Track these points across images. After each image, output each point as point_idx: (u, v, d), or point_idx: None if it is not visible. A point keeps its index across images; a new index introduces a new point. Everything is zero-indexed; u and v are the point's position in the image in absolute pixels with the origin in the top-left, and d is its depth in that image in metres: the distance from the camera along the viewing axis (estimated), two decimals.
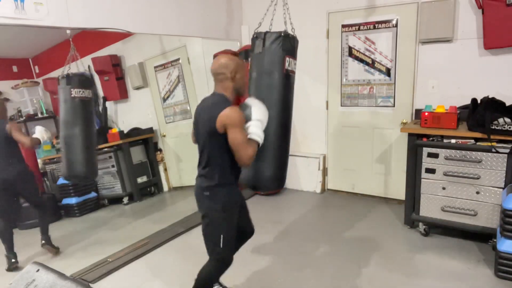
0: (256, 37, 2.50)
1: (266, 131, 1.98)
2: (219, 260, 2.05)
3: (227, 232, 1.98)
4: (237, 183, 2.03)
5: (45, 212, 3.53)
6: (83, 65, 3.72)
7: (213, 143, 1.88)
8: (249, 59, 2.52)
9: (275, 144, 2.35)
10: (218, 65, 1.94)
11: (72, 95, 3.39)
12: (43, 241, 3.41)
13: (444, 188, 2.79)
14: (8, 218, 3.29)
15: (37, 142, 3.32)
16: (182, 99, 5.12)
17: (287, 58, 2.47)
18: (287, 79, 2.50)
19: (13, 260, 3.13)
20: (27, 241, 3.94)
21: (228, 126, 1.79)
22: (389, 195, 3.88)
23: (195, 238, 3.26)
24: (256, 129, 1.84)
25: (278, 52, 2.42)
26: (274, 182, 2.38)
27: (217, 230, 1.97)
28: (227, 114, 1.79)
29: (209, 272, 2.09)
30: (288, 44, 2.48)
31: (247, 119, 1.86)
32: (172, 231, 3.41)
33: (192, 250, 3.04)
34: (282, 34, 2.43)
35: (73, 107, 3.33)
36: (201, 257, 2.93)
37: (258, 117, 1.87)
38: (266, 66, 2.47)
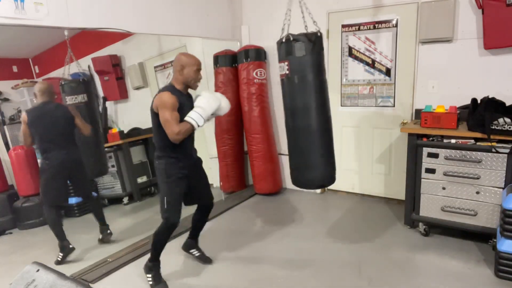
0: (293, 39, 2.41)
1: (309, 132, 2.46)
2: (165, 219, 2.44)
3: (169, 195, 2.40)
4: (183, 157, 2.41)
5: (98, 201, 3.60)
6: (81, 66, 3.76)
7: (153, 122, 2.33)
8: (285, 63, 2.48)
9: (318, 144, 2.53)
10: (174, 60, 2.38)
11: (67, 103, 3.53)
12: (103, 233, 3.47)
13: (444, 188, 2.79)
14: (58, 207, 3.30)
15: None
16: None
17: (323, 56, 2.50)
18: (324, 78, 2.54)
19: (71, 246, 3.15)
20: (27, 241, 3.94)
21: (158, 107, 2.23)
22: (389, 195, 3.88)
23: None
24: (193, 113, 2.23)
25: (320, 52, 2.47)
26: (324, 179, 2.61)
27: (162, 193, 2.42)
28: (159, 97, 2.25)
29: (158, 230, 2.49)
30: (322, 42, 2.48)
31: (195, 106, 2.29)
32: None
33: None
34: (319, 34, 2.42)
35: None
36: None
37: (199, 104, 2.27)
38: (312, 68, 2.44)
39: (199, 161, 2.64)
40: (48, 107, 3.13)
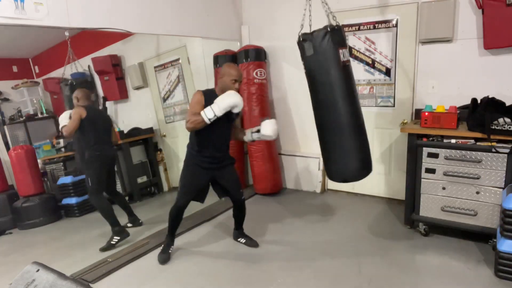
0: (302, 40, 2.44)
1: (339, 126, 2.51)
2: (176, 200, 2.79)
3: (184, 180, 2.76)
4: (205, 150, 2.67)
5: (124, 196, 3.92)
6: (81, 66, 3.79)
7: None
8: (302, 63, 2.57)
9: (352, 137, 2.55)
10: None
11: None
12: (134, 223, 3.77)
13: (444, 188, 2.79)
14: (104, 195, 3.51)
15: None
16: (182, 99, 5.12)
17: (340, 51, 2.44)
18: (345, 70, 2.50)
19: (128, 224, 3.56)
20: (27, 241, 3.94)
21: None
22: (389, 195, 3.88)
23: (195, 238, 3.27)
24: (207, 108, 2.48)
25: (331, 48, 2.42)
26: (361, 171, 2.64)
27: (180, 178, 2.79)
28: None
29: (171, 208, 2.83)
30: (336, 36, 2.43)
31: None
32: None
33: (192, 250, 3.05)
34: (329, 29, 2.39)
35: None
36: (200, 256, 2.94)
37: (216, 100, 2.48)
38: (323, 65, 2.45)
39: (227, 159, 2.83)
40: (98, 109, 3.61)
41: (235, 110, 2.57)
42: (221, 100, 2.47)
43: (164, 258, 2.86)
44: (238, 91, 2.61)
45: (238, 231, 3.14)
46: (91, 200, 3.44)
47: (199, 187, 2.79)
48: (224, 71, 2.62)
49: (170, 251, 2.92)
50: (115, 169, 3.89)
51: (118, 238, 3.32)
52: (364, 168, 2.64)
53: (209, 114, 2.45)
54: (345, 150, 2.56)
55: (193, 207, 2.91)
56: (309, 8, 2.56)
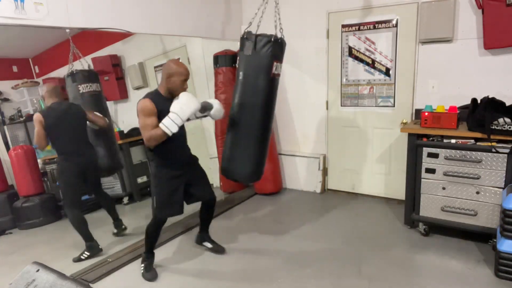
0: (246, 37, 2.50)
1: (246, 131, 2.60)
2: (154, 216, 2.61)
3: (158, 195, 2.53)
4: (172, 158, 2.49)
5: (110, 198, 3.64)
6: (87, 62, 3.73)
7: None
8: (237, 58, 2.64)
9: (254, 144, 2.70)
10: (164, 65, 2.43)
11: (80, 92, 3.43)
12: (118, 228, 3.61)
13: (444, 188, 2.79)
14: (79, 206, 3.28)
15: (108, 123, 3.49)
16: None
17: (275, 63, 2.56)
18: (273, 82, 2.62)
19: (100, 247, 3.20)
20: (27, 241, 3.94)
21: (138, 113, 2.33)
22: (389, 195, 3.88)
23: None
24: (166, 119, 2.24)
25: (267, 58, 2.53)
26: (251, 176, 2.81)
27: (152, 193, 2.57)
28: (138, 104, 2.34)
29: (148, 225, 2.66)
30: (277, 49, 2.55)
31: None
32: (172, 231, 3.41)
33: (192, 250, 3.04)
34: (273, 40, 2.45)
35: (83, 104, 3.37)
36: (200, 256, 2.94)
37: (173, 109, 2.25)
38: (254, 69, 2.57)
39: (193, 159, 2.70)
40: (62, 107, 3.12)
41: (198, 115, 2.47)
42: (180, 109, 2.23)
43: (153, 275, 2.65)
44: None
45: (205, 235, 2.97)
46: (65, 212, 3.26)
47: (178, 197, 2.57)
48: (172, 70, 2.34)
49: (154, 267, 2.73)
50: (101, 167, 3.50)
51: (88, 254, 3.13)
52: (255, 174, 2.82)
53: (173, 128, 2.24)
54: (246, 153, 2.70)
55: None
56: (263, 10, 2.66)
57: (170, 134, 2.26)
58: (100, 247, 3.20)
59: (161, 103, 2.33)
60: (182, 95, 2.30)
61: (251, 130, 2.67)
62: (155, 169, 2.51)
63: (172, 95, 2.40)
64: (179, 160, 2.54)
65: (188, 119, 2.38)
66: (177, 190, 2.55)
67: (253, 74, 2.55)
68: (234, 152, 2.73)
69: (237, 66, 2.64)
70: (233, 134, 2.72)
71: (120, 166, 3.93)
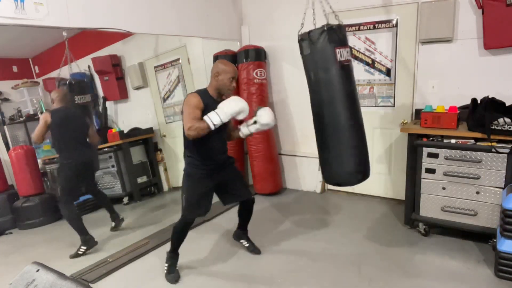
0: (301, 39, 2.44)
1: (331, 130, 2.45)
2: (182, 216, 2.56)
3: (188, 194, 2.50)
4: (206, 157, 2.47)
5: (105, 195, 3.85)
6: (78, 66, 3.79)
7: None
8: (302, 62, 2.53)
9: (344, 141, 2.48)
10: (213, 65, 2.50)
11: (76, 102, 3.79)
12: (115, 221, 3.78)
13: (444, 188, 2.79)
14: (73, 202, 3.47)
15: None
16: (182, 99, 5.09)
17: (337, 50, 2.40)
18: (343, 70, 2.44)
19: (95, 240, 3.33)
20: (27, 241, 3.94)
21: (183, 106, 2.35)
22: (389, 195, 3.88)
23: (195, 238, 3.27)
24: (212, 113, 2.27)
25: (327, 47, 2.39)
26: (351, 176, 2.57)
27: (182, 191, 2.53)
28: (186, 97, 2.39)
29: (176, 225, 2.60)
30: (335, 35, 2.39)
31: None
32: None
33: (192, 250, 3.04)
34: (325, 28, 2.36)
35: None
36: (200, 256, 2.94)
37: (220, 105, 2.30)
38: (319, 64, 2.42)
39: (229, 161, 2.66)
40: (71, 112, 3.40)
41: (240, 117, 2.37)
42: (227, 105, 2.28)
43: (175, 277, 2.62)
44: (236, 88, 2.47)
45: (243, 232, 2.98)
46: (60, 208, 3.38)
47: (208, 198, 2.57)
48: (219, 69, 2.42)
49: (177, 268, 2.69)
50: (99, 168, 3.80)
51: (85, 248, 3.24)
52: (359, 172, 2.57)
53: (215, 120, 2.24)
54: (340, 152, 2.49)
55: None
56: (312, 7, 2.53)
57: (212, 126, 2.24)
58: (95, 240, 3.31)
59: (207, 100, 2.37)
60: (232, 97, 2.37)
61: (336, 128, 2.47)
62: (189, 167, 2.51)
63: (220, 95, 2.45)
64: (214, 161, 2.52)
65: (241, 124, 2.54)
66: (207, 193, 2.54)
67: (320, 70, 2.41)
68: (327, 155, 2.55)
69: (304, 71, 2.51)
70: (320, 137, 2.57)
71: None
